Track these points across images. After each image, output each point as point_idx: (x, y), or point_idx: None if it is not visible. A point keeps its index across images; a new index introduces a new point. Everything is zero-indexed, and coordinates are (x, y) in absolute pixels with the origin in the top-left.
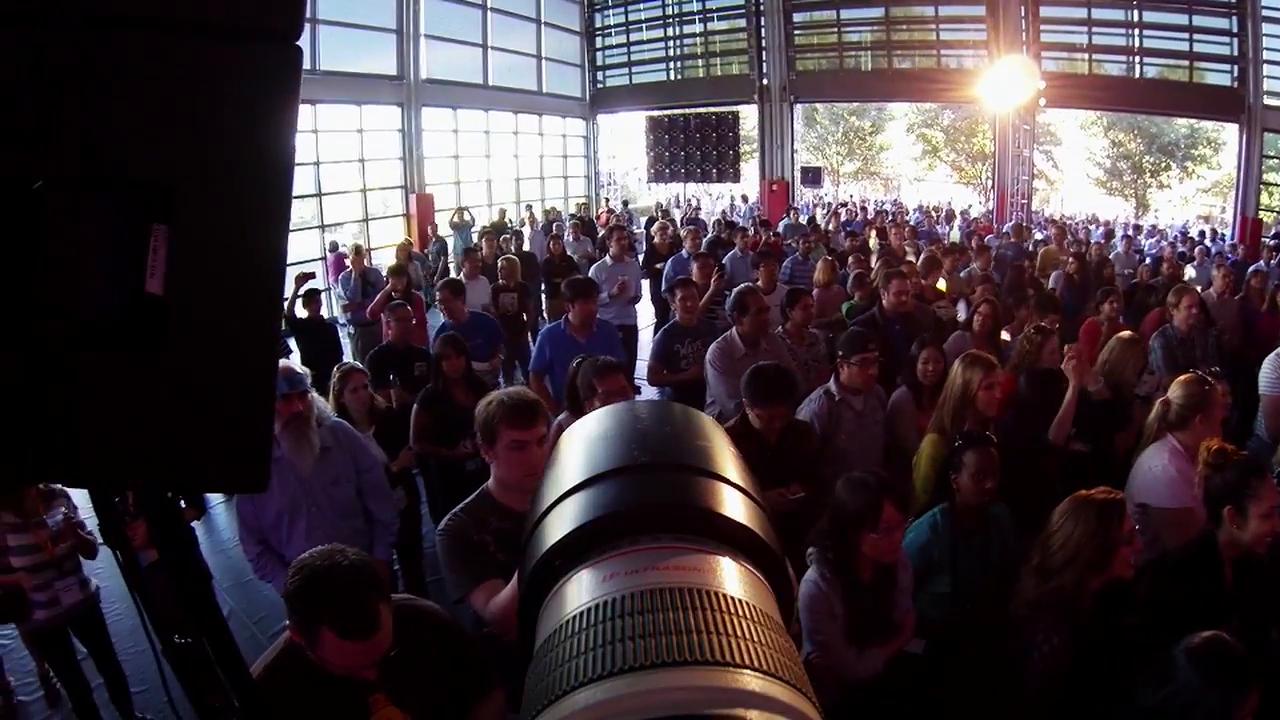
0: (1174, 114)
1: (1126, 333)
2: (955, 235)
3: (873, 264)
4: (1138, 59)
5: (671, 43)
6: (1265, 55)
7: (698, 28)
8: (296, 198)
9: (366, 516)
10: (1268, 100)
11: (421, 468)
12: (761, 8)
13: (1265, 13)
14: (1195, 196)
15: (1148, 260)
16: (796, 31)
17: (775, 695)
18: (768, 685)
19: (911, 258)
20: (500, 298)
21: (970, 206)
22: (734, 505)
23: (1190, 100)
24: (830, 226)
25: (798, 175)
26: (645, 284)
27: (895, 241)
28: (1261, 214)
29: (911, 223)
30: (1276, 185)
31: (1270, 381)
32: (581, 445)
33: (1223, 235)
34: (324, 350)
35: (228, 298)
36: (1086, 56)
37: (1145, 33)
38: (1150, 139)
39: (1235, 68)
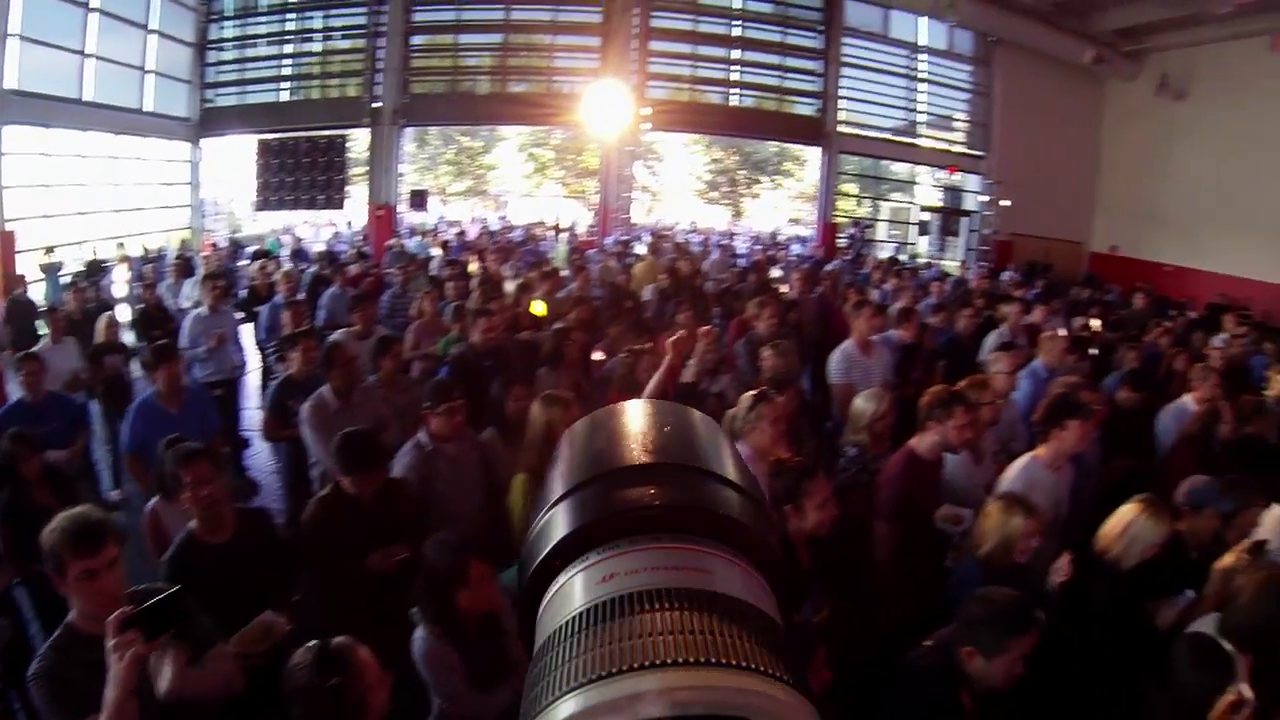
0: (766, 138)
1: (781, 343)
2: (562, 250)
3: (472, 287)
4: (736, 90)
5: (287, 61)
6: (842, 92)
7: (317, 46)
8: None
9: None
10: (841, 128)
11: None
12: (382, 29)
13: (844, 59)
14: (784, 203)
15: (741, 263)
16: (414, 54)
17: (775, 695)
18: (768, 685)
19: (511, 284)
20: (105, 360)
21: (575, 222)
22: (733, 505)
23: (780, 127)
24: (437, 252)
25: (405, 199)
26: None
27: (493, 268)
28: (837, 219)
29: (516, 238)
30: (849, 194)
31: (837, 372)
32: (581, 446)
33: (807, 238)
34: None
35: None
36: (690, 87)
37: (744, 69)
38: (745, 156)
39: (818, 101)
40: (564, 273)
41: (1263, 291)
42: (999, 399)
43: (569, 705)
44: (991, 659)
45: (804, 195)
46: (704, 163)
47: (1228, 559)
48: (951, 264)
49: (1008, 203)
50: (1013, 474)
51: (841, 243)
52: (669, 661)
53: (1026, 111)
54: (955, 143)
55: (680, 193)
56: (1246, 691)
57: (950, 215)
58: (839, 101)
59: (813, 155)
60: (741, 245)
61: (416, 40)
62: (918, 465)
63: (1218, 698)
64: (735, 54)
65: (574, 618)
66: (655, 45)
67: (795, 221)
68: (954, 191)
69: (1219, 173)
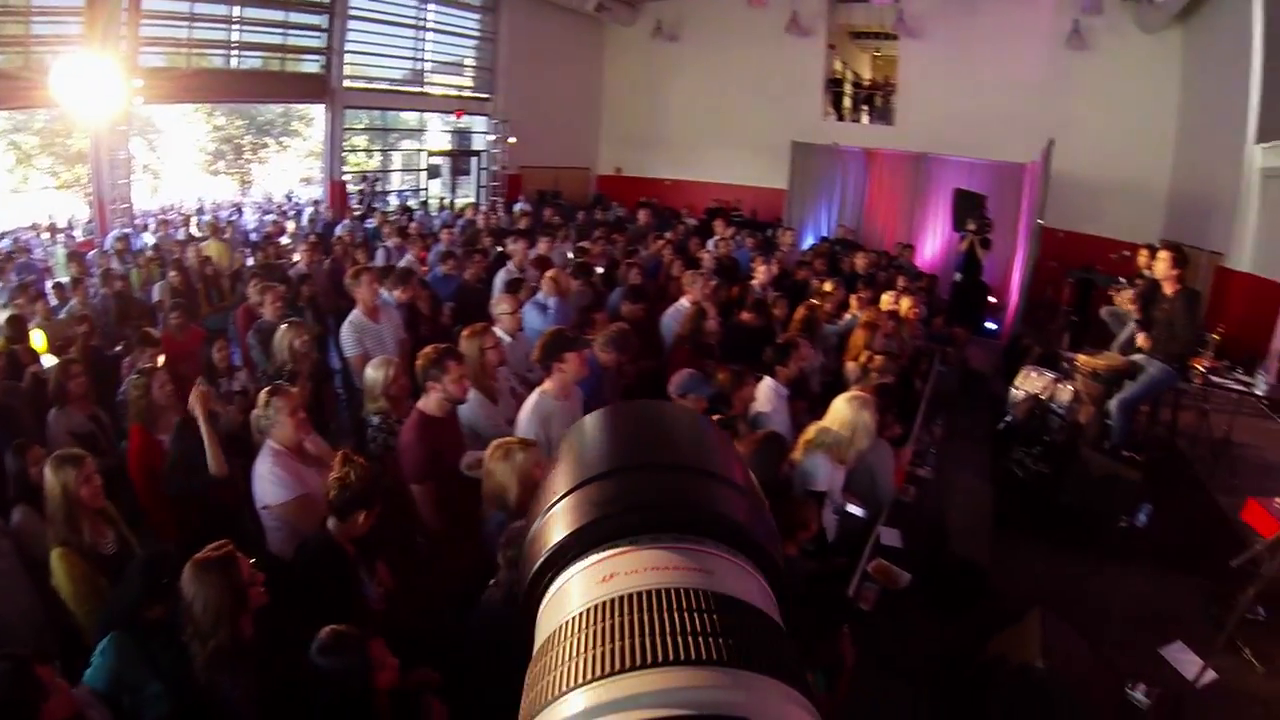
0: (271, 101)
1: (293, 322)
2: (61, 255)
3: None
4: (237, 52)
5: None
6: (348, 46)
7: None
8: None
9: None
10: (347, 84)
11: None
12: None
13: (351, 12)
14: (294, 164)
15: (253, 237)
16: None
17: (776, 695)
18: (768, 686)
19: (1, 315)
20: None
21: (72, 219)
22: (732, 505)
23: (285, 88)
24: None
25: None
26: None
27: None
28: (346, 176)
29: (3, 249)
30: (358, 148)
31: (349, 344)
32: (581, 445)
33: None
34: None
35: None
36: (188, 51)
37: (245, 28)
38: (250, 119)
39: (324, 58)
40: (64, 281)
41: (748, 194)
42: (507, 338)
43: (572, 703)
44: None
45: (314, 154)
46: (206, 132)
47: None
48: (465, 201)
49: (514, 140)
50: (528, 410)
51: (352, 199)
52: (669, 661)
53: (532, 54)
54: (463, 88)
55: (184, 168)
56: None
57: (460, 157)
58: (345, 57)
59: (318, 112)
60: (251, 216)
61: None
62: (430, 424)
63: None
64: (236, 12)
65: (576, 616)
66: (149, 5)
67: (307, 181)
68: (463, 134)
69: (708, 101)
